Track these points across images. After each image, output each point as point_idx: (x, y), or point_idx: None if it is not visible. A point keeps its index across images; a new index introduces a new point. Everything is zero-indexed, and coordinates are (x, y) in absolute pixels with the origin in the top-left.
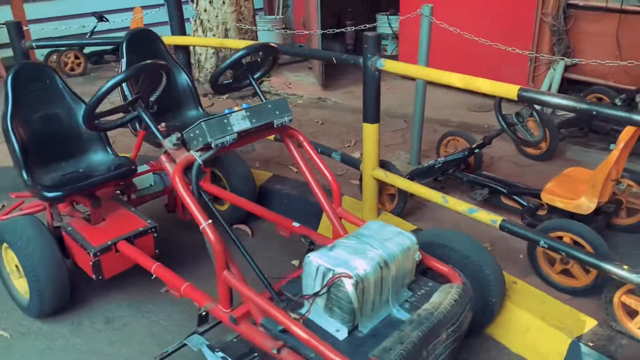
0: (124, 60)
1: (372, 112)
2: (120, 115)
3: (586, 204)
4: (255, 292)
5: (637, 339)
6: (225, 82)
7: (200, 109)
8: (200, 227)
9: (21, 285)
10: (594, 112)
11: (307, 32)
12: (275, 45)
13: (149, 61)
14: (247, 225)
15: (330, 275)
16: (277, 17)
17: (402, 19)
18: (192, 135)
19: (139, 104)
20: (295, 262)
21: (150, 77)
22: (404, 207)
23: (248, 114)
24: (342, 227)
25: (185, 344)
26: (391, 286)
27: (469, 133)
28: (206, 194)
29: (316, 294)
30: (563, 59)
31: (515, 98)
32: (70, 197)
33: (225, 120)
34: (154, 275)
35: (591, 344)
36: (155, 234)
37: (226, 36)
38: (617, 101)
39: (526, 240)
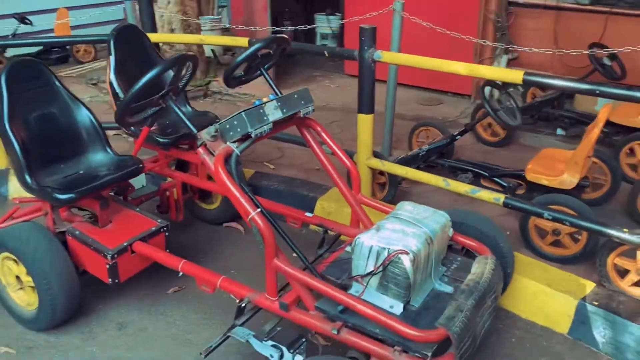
0: (112, 57)
1: (367, 103)
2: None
3: (569, 180)
4: (311, 276)
5: (629, 294)
6: (237, 75)
7: (187, 104)
8: (249, 217)
9: (21, 298)
10: (597, 92)
11: (258, 29)
12: (288, 37)
13: (182, 53)
14: (237, 222)
15: (385, 253)
16: (216, 17)
17: (347, 21)
18: (228, 126)
19: (170, 96)
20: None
21: (179, 69)
22: (395, 194)
23: (279, 104)
24: (364, 212)
25: (227, 337)
26: (434, 261)
27: (439, 123)
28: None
29: (371, 273)
30: (507, 47)
31: (521, 82)
32: (82, 199)
33: (261, 110)
34: (181, 273)
35: (596, 303)
36: (166, 233)
37: None
38: None
39: (529, 214)
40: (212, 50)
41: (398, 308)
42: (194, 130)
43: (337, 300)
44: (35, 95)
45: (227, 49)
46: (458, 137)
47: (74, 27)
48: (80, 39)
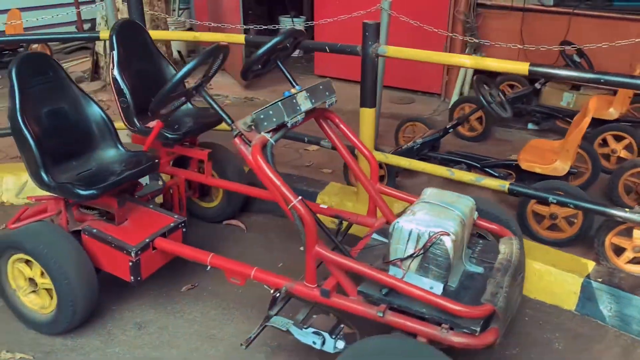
0: (115, 53)
1: (370, 97)
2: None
3: (562, 167)
4: (355, 261)
5: (626, 271)
6: (254, 68)
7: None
8: (290, 205)
9: (33, 301)
10: (602, 80)
11: (232, 26)
12: (304, 30)
13: (219, 43)
14: (238, 220)
15: (426, 236)
16: (179, 18)
17: (315, 22)
18: (263, 116)
19: (203, 87)
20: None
21: (214, 60)
22: (393, 186)
23: (308, 94)
24: (383, 201)
25: (264, 327)
26: (465, 243)
27: (424, 118)
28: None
29: (412, 255)
30: (479, 43)
31: (527, 74)
32: (102, 196)
33: (294, 101)
34: (209, 267)
35: (600, 280)
36: (184, 229)
37: None
38: (537, 85)
39: (534, 199)
40: (179, 52)
41: (438, 289)
42: (229, 120)
43: (384, 283)
44: (45, 90)
45: (192, 51)
46: (451, 130)
47: (26, 29)
48: (69, 36)
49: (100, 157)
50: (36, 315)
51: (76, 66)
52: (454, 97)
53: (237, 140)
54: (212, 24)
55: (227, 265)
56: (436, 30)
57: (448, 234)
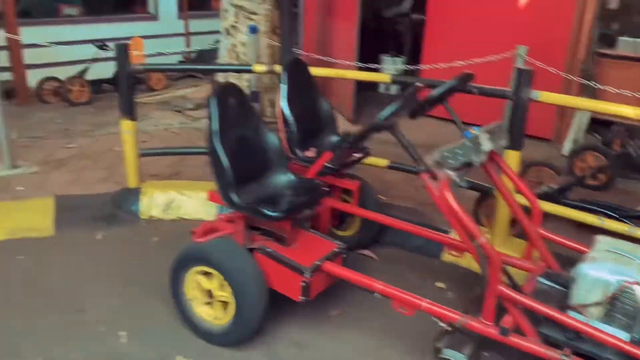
0: (285, 86)
1: (517, 140)
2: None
3: None
4: (540, 303)
5: None
6: (426, 108)
7: (337, 134)
8: (478, 241)
9: (207, 312)
10: None
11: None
12: (472, 73)
13: (415, 84)
14: (370, 250)
15: (616, 284)
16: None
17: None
18: (450, 154)
19: (396, 124)
20: (441, 285)
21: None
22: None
23: (489, 135)
24: (544, 246)
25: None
26: None
27: (551, 162)
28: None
29: (600, 303)
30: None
31: None
32: (287, 218)
33: (478, 141)
34: (376, 293)
35: None
36: (344, 256)
37: None
38: None
39: None
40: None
41: (625, 338)
42: (416, 156)
43: (571, 327)
44: (235, 117)
45: None
46: (588, 177)
47: None
48: (226, 68)
49: (274, 182)
50: (208, 326)
51: (194, 93)
52: (568, 143)
53: (424, 175)
54: (343, 61)
55: (397, 295)
56: (575, 78)
57: (639, 284)
